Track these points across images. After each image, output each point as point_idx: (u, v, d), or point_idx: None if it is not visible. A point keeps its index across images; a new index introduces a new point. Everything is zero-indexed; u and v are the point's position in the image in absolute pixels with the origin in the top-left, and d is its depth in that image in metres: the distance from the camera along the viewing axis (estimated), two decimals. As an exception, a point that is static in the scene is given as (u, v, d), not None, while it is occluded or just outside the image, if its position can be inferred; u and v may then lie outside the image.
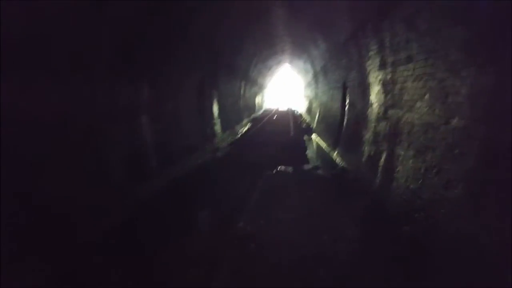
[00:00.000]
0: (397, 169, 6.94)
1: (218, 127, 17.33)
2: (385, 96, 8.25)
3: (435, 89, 5.72)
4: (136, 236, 6.22)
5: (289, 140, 18.62)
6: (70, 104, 6.01)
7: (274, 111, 42.30)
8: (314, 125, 23.24)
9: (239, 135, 20.79)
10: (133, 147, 8.24)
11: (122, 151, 7.69)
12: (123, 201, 7.24)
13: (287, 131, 22.48)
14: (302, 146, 17.08)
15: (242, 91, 25.88)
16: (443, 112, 5.40)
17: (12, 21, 4.59)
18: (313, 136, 20.84)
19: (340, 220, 6.84)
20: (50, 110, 5.46)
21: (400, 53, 7.12)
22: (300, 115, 36.21)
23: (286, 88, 57.02)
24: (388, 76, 7.99)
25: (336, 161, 12.86)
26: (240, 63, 21.36)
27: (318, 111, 22.41)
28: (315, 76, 23.58)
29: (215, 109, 17.22)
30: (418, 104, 6.35)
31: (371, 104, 9.46)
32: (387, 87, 8.13)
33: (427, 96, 6.01)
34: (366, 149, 9.38)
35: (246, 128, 24.34)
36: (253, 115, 32.34)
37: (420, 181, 5.85)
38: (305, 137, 20.22)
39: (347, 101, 13.00)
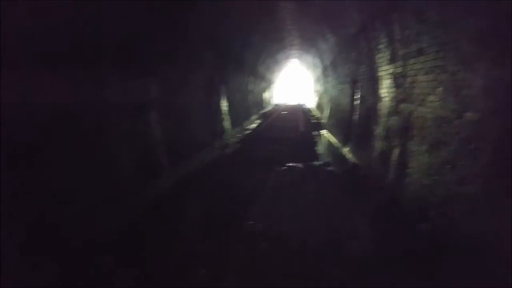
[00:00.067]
0: (410, 164, 6.81)
1: (227, 123, 17.27)
2: (396, 90, 8.10)
3: (447, 82, 5.58)
4: (145, 234, 6.18)
5: (298, 136, 18.49)
6: (77, 99, 5.99)
7: (283, 106, 42.10)
8: (324, 120, 23.08)
9: (248, 131, 20.72)
10: (142, 144, 8.21)
11: (131, 148, 7.66)
12: (132, 199, 7.21)
13: (296, 126, 22.35)
14: (312, 142, 16.95)
15: (250, 87, 25.78)
16: (456, 106, 5.27)
17: (21, 15, 4.58)
18: (323, 131, 20.69)
19: (353, 217, 6.74)
20: (57, 105, 5.44)
21: (411, 46, 6.97)
22: (310, 110, 36.02)
23: (295, 83, 56.76)
24: (399, 70, 7.84)
25: (347, 157, 12.74)
26: (249, 58, 21.26)
27: (328, 106, 22.24)
28: (324, 71, 23.39)
29: (224, 105, 17.16)
30: (430, 97, 6.21)
31: (382, 99, 9.31)
32: (397, 80, 7.98)
33: (439, 90, 5.87)
34: (378, 144, 9.25)
35: (255, 124, 24.26)
36: (262, 111, 32.22)
37: (434, 177, 5.72)
38: (315, 133, 20.07)
39: (357, 95, 12.84)
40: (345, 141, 14.10)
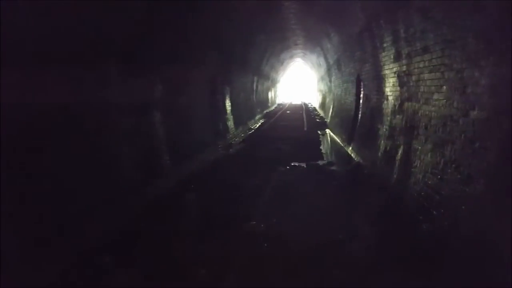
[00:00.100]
0: (415, 164, 6.72)
1: (230, 123, 17.23)
2: (401, 89, 8.02)
3: (452, 80, 5.49)
4: (145, 234, 6.12)
5: (302, 135, 18.43)
6: (79, 99, 5.95)
7: (287, 106, 42.05)
8: (328, 119, 23.01)
9: (252, 131, 20.68)
10: (144, 144, 8.18)
11: (133, 148, 7.63)
12: (133, 199, 7.17)
13: (300, 126, 22.29)
14: (315, 141, 16.89)
15: (254, 86, 25.73)
16: (462, 104, 5.17)
17: (22, 14, 4.56)
18: (327, 130, 20.63)
19: (356, 217, 6.67)
20: (59, 103, 5.40)
21: (416, 44, 6.88)
22: (314, 110, 35.96)
23: (299, 82, 56.71)
24: (404, 68, 7.75)
25: (351, 156, 12.66)
26: (253, 58, 21.21)
27: (332, 105, 22.16)
28: (329, 70, 23.31)
29: (228, 104, 17.12)
30: (435, 96, 6.12)
31: (386, 97, 9.22)
32: (402, 79, 7.89)
33: (444, 88, 5.78)
34: (382, 143, 9.16)
35: (259, 124, 24.22)
36: (266, 110, 32.17)
37: (438, 177, 5.63)
38: (319, 132, 20.01)
39: (362, 94, 12.76)
40: (349, 140, 14.02)
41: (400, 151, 7.66)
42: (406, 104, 7.66)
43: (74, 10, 5.43)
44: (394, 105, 8.46)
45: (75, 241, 5.28)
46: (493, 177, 4.28)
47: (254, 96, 26.03)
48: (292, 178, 9.83)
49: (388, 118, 8.91)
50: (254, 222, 6.63)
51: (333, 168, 11.46)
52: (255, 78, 25.34)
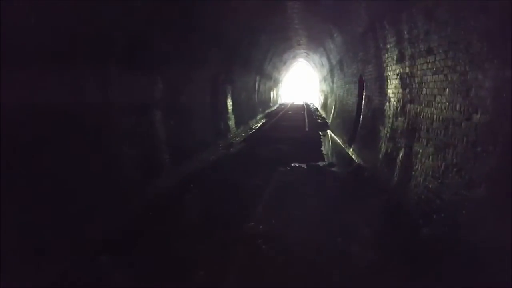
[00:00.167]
0: (416, 167, 6.65)
1: (232, 122, 17.19)
2: (403, 91, 7.95)
3: (456, 83, 5.42)
4: (144, 235, 6.08)
5: (304, 135, 18.36)
6: (80, 97, 5.90)
7: (289, 106, 41.99)
8: (330, 120, 22.94)
9: (253, 131, 20.63)
10: (145, 143, 8.14)
11: (134, 148, 7.58)
12: (133, 199, 7.12)
13: (302, 126, 22.22)
14: (317, 142, 16.82)
15: (256, 86, 25.67)
16: (465, 107, 5.11)
17: (23, 13, 4.52)
18: (329, 131, 20.57)
19: (356, 220, 6.58)
20: (59, 103, 5.36)
21: (419, 46, 6.82)
22: (316, 110, 35.90)
23: (302, 82, 56.66)
24: (407, 70, 7.69)
25: (352, 157, 12.60)
26: (255, 58, 21.15)
27: (334, 106, 22.10)
28: (331, 70, 23.25)
29: (229, 104, 17.08)
30: (438, 98, 6.06)
31: (389, 99, 9.16)
32: (405, 81, 7.83)
33: (447, 90, 5.71)
34: (383, 145, 9.09)
35: (260, 123, 24.17)
36: (268, 110, 32.12)
37: (439, 180, 5.56)
38: (320, 133, 19.94)
39: (364, 95, 12.69)
40: (350, 142, 13.96)
41: (401, 154, 7.60)
42: (408, 106, 7.60)
43: (74, 9, 5.39)
44: (396, 107, 8.40)
45: (75, 241, 5.23)
46: (495, 182, 4.21)
47: (256, 96, 25.98)
48: (292, 179, 9.76)
49: (390, 120, 8.84)
50: (254, 223, 6.57)
51: (334, 169, 11.39)
52: (257, 78, 25.28)
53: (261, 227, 6.44)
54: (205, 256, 5.37)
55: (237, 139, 16.76)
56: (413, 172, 6.72)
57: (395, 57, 8.48)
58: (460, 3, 5.14)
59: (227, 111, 16.74)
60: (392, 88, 8.84)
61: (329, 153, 15.13)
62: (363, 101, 12.79)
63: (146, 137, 8.31)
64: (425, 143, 6.45)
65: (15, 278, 4.15)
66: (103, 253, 5.26)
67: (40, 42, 4.90)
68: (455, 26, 5.34)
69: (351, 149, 13.32)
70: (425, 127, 6.55)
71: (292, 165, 11.62)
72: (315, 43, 22.08)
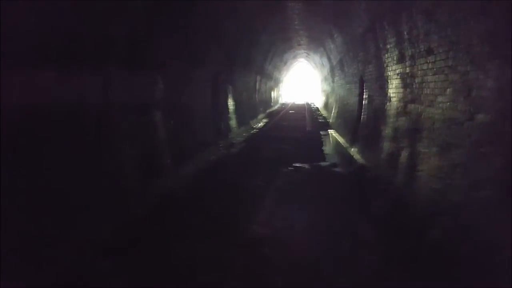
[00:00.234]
0: (419, 167, 6.63)
1: (233, 122, 17.21)
2: (404, 91, 7.94)
3: (457, 83, 5.41)
4: (143, 237, 6.04)
5: (305, 135, 18.36)
6: (81, 97, 5.91)
7: (290, 105, 41.97)
8: (331, 120, 22.92)
9: (254, 130, 20.61)
10: (145, 144, 8.14)
11: (134, 148, 7.59)
12: (132, 200, 7.12)
13: (303, 126, 22.21)
14: (319, 142, 16.80)
15: (257, 86, 25.69)
16: (467, 107, 5.09)
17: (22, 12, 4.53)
18: (330, 131, 20.53)
19: (360, 223, 6.57)
20: (59, 103, 5.37)
21: (420, 46, 6.81)
22: (317, 110, 35.87)
23: (302, 82, 56.61)
24: (407, 70, 7.68)
25: (355, 157, 12.56)
26: (256, 57, 21.16)
27: (335, 105, 22.08)
28: (332, 70, 23.23)
29: (230, 104, 17.09)
30: (440, 98, 6.04)
31: (390, 99, 9.15)
32: (406, 81, 7.82)
33: (449, 90, 5.70)
34: (386, 145, 9.08)
35: (261, 123, 24.15)
36: (269, 110, 32.12)
37: (444, 181, 5.54)
38: (322, 132, 19.91)
39: (365, 95, 12.67)
40: (352, 141, 13.93)
41: (404, 154, 7.58)
42: (410, 106, 7.59)
43: (74, 8, 5.40)
44: (398, 107, 8.39)
45: (74, 242, 5.24)
46: (500, 182, 4.20)
47: (257, 96, 25.99)
48: (294, 180, 9.76)
49: (392, 120, 8.83)
50: (256, 226, 6.55)
51: (336, 169, 11.38)
52: (258, 78, 25.29)
53: (264, 229, 6.41)
54: (206, 259, 5.33)
55: (238, 139, 16.75)
56: (416, 173, 6.70)
57: (395, 57, 8.47)
58: (460, 4, 5.14)
59: (228, 111, 16.75)
60: (393, 88, 8.83)
61: (331, 153, 15.08)
62: (364, 101, 12.77)
63: (146, 137, 8.31)
64: (428, 143, 6.43)
65: (15, 278, 4.15)
66: (103, 254, 5.27)
67: (39, 41, 4.91)
68: (455, 27, 5.33)
69: (353, 149, 13.29)
70: (427, 127, 6.54)
71: (294, 165, 11.60)
72: (316, 43, 22.08)
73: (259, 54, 21.30)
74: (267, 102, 32.37)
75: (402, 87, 8.10)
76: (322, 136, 18.71)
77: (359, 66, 13.75)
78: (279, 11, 14.99)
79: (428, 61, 6.48)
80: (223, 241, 5.88)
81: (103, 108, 6.60)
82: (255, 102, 25.14)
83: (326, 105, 28.88)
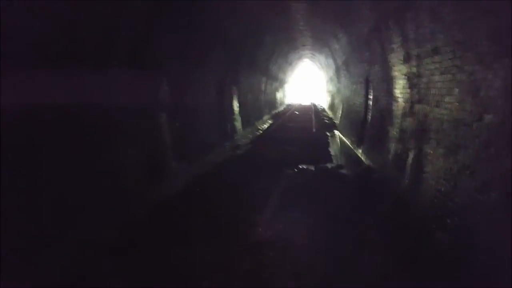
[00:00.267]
0: (426, 169, 6.53)
1: (238, 124, 17.15)
2: (411, 91, 7.84)
3: (465, 83, 5.32)
4: (147, 240, 5.99)
5: (311, 136, 18.26)
6: (82, 97, 5.87)
7: (296, 106, 41.80)
8: (337, 120, 22.81)
9: (260, 132, 20.56)
10: (149, 146, 8.09)
11: (139, 150, 7.54)
12: (136, 203, 7.08)
13: (309, 127, 22.10)
14: (324, 143, 16.71)
15: (262, 87, 25.61)
16: (475, 108, 5.00)
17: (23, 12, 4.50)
18: (336, 132, 20.44)
19: (366, 225, 6.48)
20: (61, 104, 5.33)
21: (426, 45, 6.71)
22: (323, 110, 35.74)
23: (308, 83, 56.44)
24: (413, 70, 7.58)
25: (360, 159, 12.47)
26: (261, 58, 21.10)
27: (341, 106, 21.97)
28: (337, 71, 23.11)
29: (235, 105, 17.03)
30: (447, 98, 5.95)
31: (396, 99, 9.05)
32: (412, 81, 7.72)
33: (456, 90, 5.61)
34: (392, 146, 8.98)
35: (267, 125, 24.09)
36: (274, 111, 32.02)
37: (451, 183, 5.45)
38: (328, 134, 19.81)
39: (371, 96, 12.57)
40: (358, 143, 13.83)
41: (411, 155, 7.48)
42: (416, 107, 7.49)
43: (75, 9, 5.36)
44: (404, 108, 8.29)
45: (74, 243, 5.21)
46: (509, 185, 4.10)
47: (262, 97, 25.92)
48: (300, 182, 9.68)
49: (398, 121, 8.73)
50: (260, 229, 6.49)
51: (342, 171, 11.28)
52: (263, 79, 25.22)
53: (267, 232, 6.34)
54: (208, 263, 5.28)
55: (243, 140, 16.70)
56: (424, 174, 6.61)
57: (401, 57, 8.37)
58: (466, 2, 5.04)
59: (233, 112, 16.70)
60: (400, 89, 8.73)
61: (337, 154, 15.00)
62: (370, 102, 12.67)
63: (151, 139, 8.27)
64: (435, 145, 6.34)
65: (15, 278, 4.13)
66: (103, 255, 5.27)
67: (39, 42, 4.88)
68: (461, 25, 5.24)
69: (360, 150, 13.20)
70: (434, 127, 6.44)
71: (300, 167, 11.52)
72: (320, 43, 21.98)
73: (264, 55, 21.23)
74: (273, 103, 32.27)
75: (408, 87, 8.00)
76: (327, 137, 18.62)
77: (364, 66, 13.65)
78: (284, 12, 14.92)
79: (435, 61, 6.39)
80: (227, 245, 5.83)
81: (105, 110, 6.54)
82: (260, 103, 25.06)
83: (332, 106, 28.75)
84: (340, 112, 21.90)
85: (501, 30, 4.31)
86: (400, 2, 7.56)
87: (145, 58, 7.83)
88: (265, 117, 26.19)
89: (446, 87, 5.97)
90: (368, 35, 11.55)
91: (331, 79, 29.02)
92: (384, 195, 7.82)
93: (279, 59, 26.48)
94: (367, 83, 13.29)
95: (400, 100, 8.66)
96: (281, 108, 37.14)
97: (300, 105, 45.61)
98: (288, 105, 42.78)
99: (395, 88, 9.16)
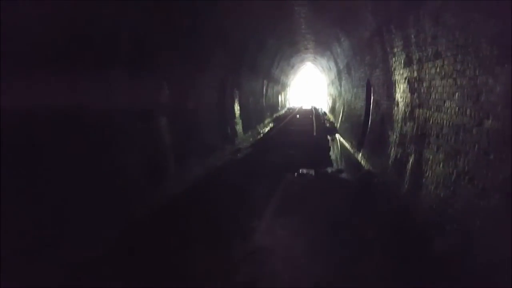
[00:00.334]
0: (426, 174, 6.49)
1: (239, 127, 17.11)
2: (412, 95, 7.80)
3: (466, 87, 5.27)
4: (143, 246, 5.91)
5: (312, 140, 18.18)
6: (83, 100, 5.85)
7: (297, 110, 41.80)
8: (338, 124, 22.76)
9: (261, 135, 20.52)
10: (150, 150, 8.06)
11: (138, 154, 7.51)
12: (134, 207, 7.04)
13: (310, 130, 22.03)
14: (325, 147, 16.64)
15: (264, 90, 25.60)
16: (476, 113, 4.95)
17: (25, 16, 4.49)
18: (337, 135, 20.40)
19: (366, 231, 6.41)
20: (61, 107, 5.31)
21: (427, 50, 6.68)
22: (324, 114, 35.72)
23: (310, 86, 56.47)
24: (414, 74, 7.54)
25: (361, 163, 12.42)
26: (262, 62, 21.10)
27: (342, 110, 21.92)
28: (339, 74, 23.10)
29: (236, 108, 17.00)
30: (447, 103, 5.90)
31: (397, 103, 9.00)
32: (413, 85, 7.68)
33: (457, 95, 5.56)
34: (393, 151, 8.93)
35: (268, 128, 24.04)
36: (276, 114, 32.00)
37: (451, 189, 5.39)
38: (329, 137, 19.76)
39: (372, 100, 12.54)
40: (358, 147, 13.78)
41: (411, 160, 7.43)
42: (417, 111, 7.44)
43: (76, 12, 5.35)
44: (405, 112, 8.24)
45: (74, 244, 5.18)
46: (509, 191, 4.04)
47: (264, 100, 25.91)
48: (300, 187, 9.63)
49: (399, 125, 8.68)
50: (259, 235, 6.41)
51: (342, 175, 11.24)
52: (265, 82, 25.21)
53: (265, 240, 6.24)
54: (205, 274, 5.18)
55: (244, 144, 16.65)
56: (423, 180, 6.56)
57: (402, 61, 8.34)
58: (468, 6, 5.01)
59: (234, 116, 16.66)
60: (400, 93, 8.69)
61: (338, 158, 14.96)
62: (371, 105, 12.64)
63: (151, 142, 8.24)
64: (435, 149, 6.29)
65: (15, 278, 4.11)
66: (103, 256, 5.28)
67: (41, 44, 4.87)
68: (463, 30, 5.20)
69: (360, 154, 13.15)
70: (435, 132, 6.40)
71: (300, 171, 11.48)
72: (323, 47, 21.98)
73: (266, 58, 21.23)
74: (274, 106, 32.27)
75: (409, 92, 7.96)
76: (329, 141, 18.58)
77: (366, 70, 13.62)
78: (286, 15, 14.92)
79: (436, 65, 6.35)
80: (225, 252, 5.76)
81: (106, 113, 6.52)
82: (262, 106, 25.05)
83: (333, 109, 28.71)
84: (341, 115, 21.86)
85: (503, 33, 4.26)
86: (402, 6, 7.53)
87: (146, 61, 7.81)
88: (267, 121, 26.15)
89: (447, 91, 5.93)
90: (369, 38, 11.54)
91: (332, 83, 29.01)
92: (384, 201, 7.77)
93: (281, 62, 26.49)
94: (368, 86, 13.26)
95: (401, 104, 8.62)
96: (282, 112, 37.14)
97: (302, 108, 45.63)
98: (290, 109, 42.80)
99: (396, 92, 9.13)
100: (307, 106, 50.34)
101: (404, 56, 8.15)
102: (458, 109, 5.48)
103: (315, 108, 43.63)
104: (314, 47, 23.30)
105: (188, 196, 8.56)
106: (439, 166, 5.99)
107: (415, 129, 7.49)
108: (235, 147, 15.31)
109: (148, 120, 8.14)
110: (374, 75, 12.05)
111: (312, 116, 31.44)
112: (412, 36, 7.32)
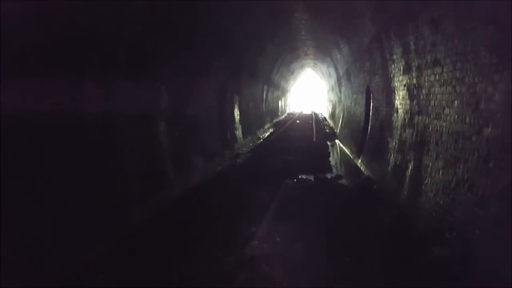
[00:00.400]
0: (425, 181, 6.47)
1: (238, 132, 17.11)
2: (411, 102, 7.80)
3: (465, 95, 5.28)
4: (141, 251, 5.89)
5: (312, 146, 18.19)
6: (82, 105, 5.84)
7: (297, 115, 41.84)
8: (338, 130, 22.78)
9: (260, 140, 20.52)
10: (148, 155, 8.05)
11: (137, 160, 7.49)
12: (133, 212, 7.01)
13: (310, 136, 22.05)
14: (324, 153, 16.63)
15: (264, 95, 25.63)
16: (475, 120, 4.95)
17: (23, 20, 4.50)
18: (337, 141, 20.40)
19: (364, 239, 6.37)
20: (59, 112, 5.29)
21: (426, 57, 6.69)
22: (324, 120, 35.75)
23: (310, 92, 56.55)
24: (414, 81, 7.55)
25: (360, 169, 12.41)
26: (263, 67, 21.14)
27: (342, 116, 21.94)
28: (338, 80, 23.14)
29: (236, 113, 17.01)
30: (447, 110, 5.91)
31: (396, 110, 9.01)
32: (412, 92, 7.69)
33: (456, 102, 5.56)
34: (392, 157, 8.92)
35: (268, 133, 24.06)
36: (276, 120, 32.02)
37: (450, 196, 5.38)
38: (328, 143, 19.76)
39: (371, 106, 12.55)
40: (358, 153, 13.77)
41: (410, 167, 7.42)
42: (416, 118, 7.45)
43: (76, 16, 5.35)
44: (404, 119, 8.25)
45: (74, 246, 5.16)
46: (509, 199, 4.03)
47: (264, 105, 25.93)
48: (299, 193, 9.61)
49: (398, 132, 8.68)
50: (257, 242, 6.37)
51: (342, 182, 11.22)
52: (265, 87, 25.25)
53: (263, 246, 6.20)
54: (202, 280, 5.14)
55: (244, 149, 16.64)
56: (423, 186, 6.54)
57: (401, 68, 8.36)
58: (467, 14, 5.02)
59: (234, 121, 16.67)
60: (400, 99, 8.70)
61: (337, 164, 14.95)
62: (370, 112, 12.65)
63: (150, 148, 8.23)
64: (434, 157, 6.28)
65: (15, 278, 4.10)
66: (103, 258, 5.30)
67: (41, 49, 4.87)
68: (462, 37, 5.21)
69: (360, 160, 13.14)
70: (434, 140, 6.40)
71: (300, 177, 11.45)
72: (323, 53, 22.05)
73: (266, 64, 21.28)
74: (274, 111, 32.29)
75: (408, 98, 7.97)
76: (328, 147, 18.56)
77: (365, 76, 13.65)
78: (286, 22, 14.99)
79: (435, 72, 6.36)
80: (223, 258, 5.72)
81: (105, 118, 6.51)
82: (262, 112, 25.07)
83: (333, 115, 28.73)
84: (341, 121, 21.88)
85: (502, 41, 4.27)
86: (401, 14, 7.55)
87: (145, 66, 7.81)
88: (266, 126, 26.17)
89: (446, 99, 5.93)
90: (369, 45, 11.57)
91: (332, 89, 29.06)
92: (384, 208, 7.73)
93: (281, 68, 26.55)
94: (367, 93, 13.28)
95: (400, 111, 8.63)
96: (282, 117, 37.18)
97: (302, 114, 45.66)
98: (290, 114, 42.85)
99: (395, 99, 9.14)
100: (307, 111, 50.35)
101: (403, 63, 8.17)
102: (458, 116, 5.48)
103: (315, 114, 43.64)
104: (314, 53, 23.37)
105: (187, 201, 8.54)
106: (439, 173, 5.98)
107: (414, 136, 7.49)
108: (235, 152, 15.30)
109: (147, 125, 8.13)
110: (374, 81, 12.07)
111: (312, 122, 31.46)
112: (412, 43, 7.33)
